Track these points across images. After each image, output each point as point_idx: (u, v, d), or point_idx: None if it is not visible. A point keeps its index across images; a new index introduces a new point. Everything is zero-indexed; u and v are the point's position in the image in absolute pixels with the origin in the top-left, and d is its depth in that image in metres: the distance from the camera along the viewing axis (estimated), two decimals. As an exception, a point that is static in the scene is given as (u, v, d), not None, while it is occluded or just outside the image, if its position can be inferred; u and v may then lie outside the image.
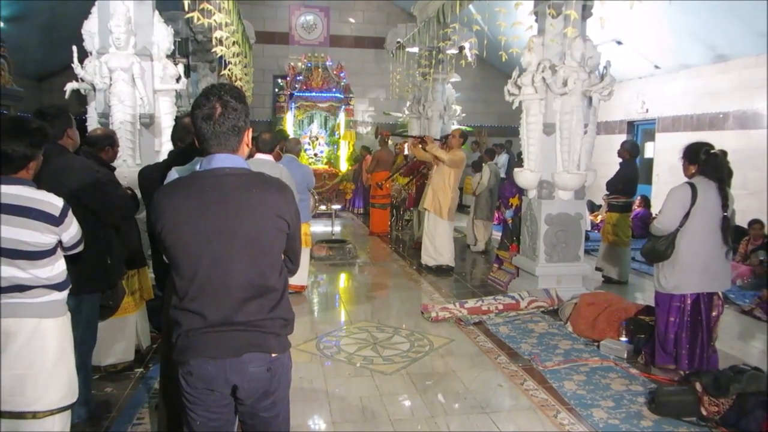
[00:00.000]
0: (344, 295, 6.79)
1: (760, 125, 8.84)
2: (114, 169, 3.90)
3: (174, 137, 3.37)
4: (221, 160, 1.90)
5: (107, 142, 3.86)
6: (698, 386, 3.41)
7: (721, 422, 3.31)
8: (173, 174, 2.54)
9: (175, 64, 6.37)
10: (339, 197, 12.96)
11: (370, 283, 7.23)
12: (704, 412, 3.36)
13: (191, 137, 2.81)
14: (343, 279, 7.48)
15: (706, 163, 3.94)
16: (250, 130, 2.01)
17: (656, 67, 10.81)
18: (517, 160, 7.97)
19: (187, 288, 1.87)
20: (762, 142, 8.77)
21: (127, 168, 5.53)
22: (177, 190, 1.91)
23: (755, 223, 7.56)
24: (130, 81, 5.73)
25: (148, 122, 5.93)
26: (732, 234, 4.09)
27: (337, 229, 10.71)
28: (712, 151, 3.98)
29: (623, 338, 4.63)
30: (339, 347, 4.73)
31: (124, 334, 4.11)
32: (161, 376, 2.88)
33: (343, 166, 13.42)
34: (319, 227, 10.26)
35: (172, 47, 6.31)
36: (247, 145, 2.00)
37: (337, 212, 11.62)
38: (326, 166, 13.45)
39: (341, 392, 3.88)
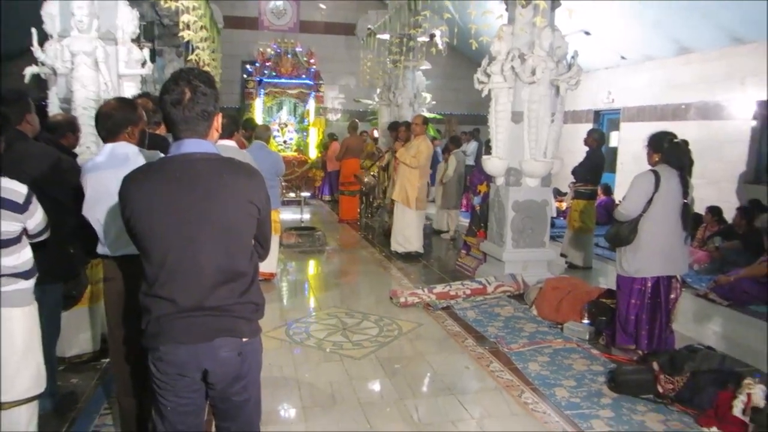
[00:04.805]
0: (313, 282, 6.81)
1: (720, 116, 9.12)
2: (76, 155, 3.83)
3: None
4: (191, 145, 1.89)
5: (68, 128, 3.79)
6: (655, 365, 3.55)
7: (675, 399, 3.46)
8: (86, 164, 2.64)
9: (141, 49, 6.24)
10: (308, 184, 12.92)
11: (340, 270, 7.27)
12: (660, 390, 3.50)
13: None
14: (312, 266, 7.49)
15: (669, 152, 4.07)
16: (220, 115, 2.00)
17: (622, 57, 11.02)
18: (485, 148, 8.07)
19: (157, 274, 1.87)
20: (721, 132, 9.05)
21: (90, 155, 5.40)
22: (146, 176, 1.89)
23: (712, 210, 7.81)
24: (93, 65, 5.59)
25: (111, 108, 5.81)
26: (691, 220, 4.24)
27: (307, 216, 10.68)
28: (675, 140, 4.13)
29: (585, 321, 4.76)
30: (308, 333, 4.76)
31: (89, 325, 4.04)
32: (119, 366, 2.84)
33: (313, 154, 13.37)
34: (289, 215, 10.23)
35: (138, 31, 6.18)
36: (217, 130, 2.00)
37: (307, 199, 11.59)
38: (295, 154, 13.37)
39: (311, 377, 3.91)
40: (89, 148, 5.56)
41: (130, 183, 1.89)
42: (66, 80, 5.68)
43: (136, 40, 6.42)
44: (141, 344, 1.97)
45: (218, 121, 1.99)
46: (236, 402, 2.01)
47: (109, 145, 2.67)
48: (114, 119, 2.65)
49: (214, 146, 1.96)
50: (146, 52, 6.19)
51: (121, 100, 2.85)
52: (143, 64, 6.07)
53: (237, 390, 1.99)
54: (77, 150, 4.11)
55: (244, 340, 1.95)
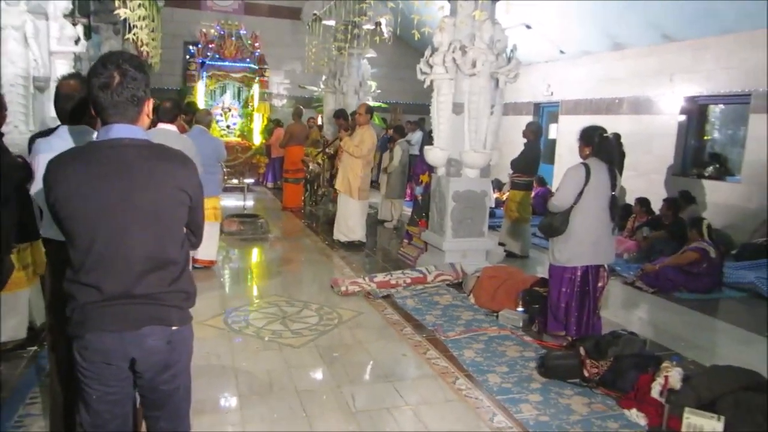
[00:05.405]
0: (255, 270, 6.75)
1: (650, 111, 9.54)
2: (2, 135, 3.65)
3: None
4: (120, 131, 1.86)
5: (-7, 105, 3.60)
6: (582, 350, 3.72)
7: (600, 383, 3.63)
8: (39, 145, 2.53)
9: (74, 25, 5.97)
10: (252, 171, 12.72)
11: (281, 258, 7.22)
12: (586, 374, 3.67)
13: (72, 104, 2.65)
14: (254, 254, 7.41)
15: (599, 146, 4.24)
16: (151, 100, 1.97)
17: (561, 52, 11.33)
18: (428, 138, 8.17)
19: (83, 260, 1.84)
20: (651, 126, 9.48)
21: (19, 134, 5.16)
22: (73, 160, 1.85)
23: (641, 202, 8.18)
24: (22, 40, 5.32)
25: (42, 86, 5.55)
26: (619, 212, 4.44)
27: (250, 203, 10.54)
28: (605, 134, 4.30)
29: (520, 308, 4.92)
30: (248, 322, 4.73)
31: (15, 311, 3.90)
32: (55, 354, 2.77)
33: (257, 139, 13.16)
34: (232, 201, 10.07)
35: (71, 6, 5.91)
36: (148, 116, 1.97)
37: (250, 186, 11.43)
38: (239, 139, 13.13)
39: (248, 366, 3.89)
40: (17, 127, 5.32)
41: (57, 167, 1.85)
42: (-8, 55, 5.39)
43: (70, 15, 6.14)
44: (66, 332, 1.92)
45: (149, 106, 1.96)
46: (165, 391, 2.00)
47: (67, 127, 2.57)
48: (76, 100, 2.54)
49: (144, 132, 1.93)
50: (80, 29, 5.94)
51: (83, 80, 2.73)
52: (77, 42, 5.82)
53: (166, 379, 1.98)
54: (4, 129, 3.91)
55: (173, 328, 1.94)
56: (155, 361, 1.93)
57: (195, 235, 2.12)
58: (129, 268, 1.85)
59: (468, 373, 3.84)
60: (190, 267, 4.48)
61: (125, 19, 7.32)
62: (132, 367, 1.92)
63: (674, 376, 3.31)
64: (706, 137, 9.52)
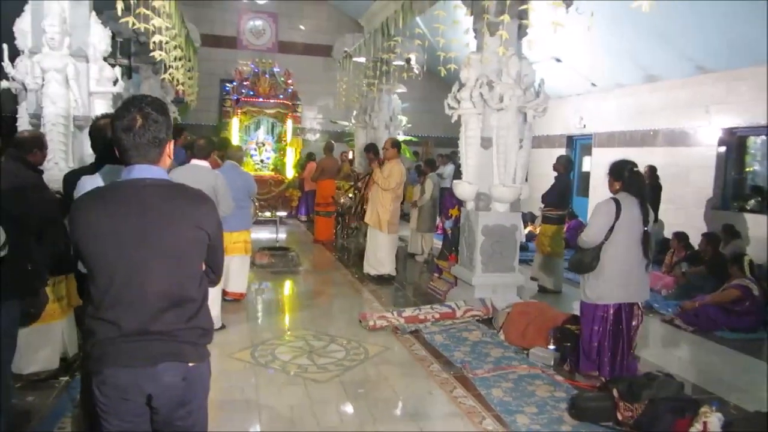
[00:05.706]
0: (284, 303, 6.77)
1: (686, 143, 9.34)
2: (42, 172, 3.79)
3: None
4: (141, 171, 1.92)
5: (35, 144, 3.75)
6: (615, 392, 3.58)
7: (634, 426, 3.47)
8: (84, 183, 2.55)
9: (113, 66, 6.24)
10: (285, 204, 12.89)
11: (311, 291, 7.23)
12: (620, 417, 3.52)
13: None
14: (284, 287, 7.44)
15: (630, 181, 4.15)
16: (172, 142, 2.04)
17: (593, 84, 11.25)
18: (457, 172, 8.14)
19: (103, 297, 1.88)
20: (688, 158, 9.27)
21: (59, 171, 5.37)
22: (96, 200, 1.93)
23: (678, 236, 7.94)
24: (64, 82, 5.58)
25: (82, 125, 5.79)
26: (652, 248, 4.31)
27: (282, 236, 10.63)
28: (635, 169, 4.21)
29: (551, 346, 4.78)
30: (274, 355, 4.72)
31: (48, 342, 4.01)
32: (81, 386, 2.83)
33: (290, 173, 13.37)
34: (264, 234, 10.18)
35: (110, 49, 6.19)
36: (169, 157, 2.03)
37: (283, 219, 11.56)
38: (272, 173, 13.37)
39: (272, 401, 3.87)
40: (57, 164, 5.53)
41: (80, 206, 1.92)
42: (36, 96, 5.66)
43: (112, 57, 6.41)
44: (86, 367, 1.95)
45: (170, 147, 2.02)
46: (180, 427, 2.00)
47: (110, 166, 2.67)
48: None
49: (165, 172, 1.99)
50: (118, 70, 6.20)
51: None
52: (115, 83, 6.06)
53: (181, 415, 1.98)
54: (47, 166, 4.08)
55: (190, 364, 1.95)
56: (171, 397, 1.93)
57: (214, 272, 2.16)
58: (147, 305, 1.88)
59: (496, 413, 3.73)
60: (220, 301, 4.51)
61: (162, 60, 7.61)
62: (149, 403, 1.93)
63: (714, 422, 3.15)
64: (747, 169, 9.25)
